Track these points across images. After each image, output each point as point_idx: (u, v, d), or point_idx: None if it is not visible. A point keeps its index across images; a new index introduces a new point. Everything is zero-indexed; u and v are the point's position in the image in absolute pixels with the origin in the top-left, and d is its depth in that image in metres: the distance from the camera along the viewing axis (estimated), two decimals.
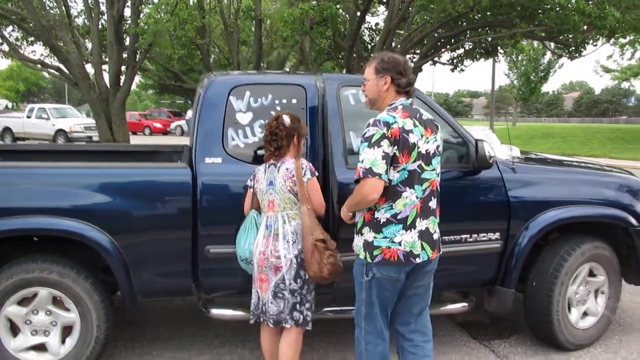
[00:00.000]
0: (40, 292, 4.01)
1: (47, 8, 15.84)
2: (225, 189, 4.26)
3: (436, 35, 14.04)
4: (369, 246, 3.24)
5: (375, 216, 3.22)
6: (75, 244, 4.10)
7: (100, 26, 15.91)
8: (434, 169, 3.29)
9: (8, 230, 3.92)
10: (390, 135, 3.12)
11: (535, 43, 33.58)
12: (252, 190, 3.94)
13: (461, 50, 17.75)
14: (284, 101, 4.38)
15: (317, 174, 3.86)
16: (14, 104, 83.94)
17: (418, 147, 3.18)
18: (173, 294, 4.48)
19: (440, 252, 3.42)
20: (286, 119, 3.85)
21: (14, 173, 4.15)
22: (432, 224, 3.29)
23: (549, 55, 38.85)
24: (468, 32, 15.14)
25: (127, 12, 15.45)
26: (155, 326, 5.22)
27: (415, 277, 3.35)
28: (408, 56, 15.36)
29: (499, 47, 17.67)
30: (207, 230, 4.18)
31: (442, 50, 16.21)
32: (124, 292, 4.15)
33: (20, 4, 16.08)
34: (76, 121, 28.10)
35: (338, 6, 10.61)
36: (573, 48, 15.21)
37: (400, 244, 3.18)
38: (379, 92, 3.35)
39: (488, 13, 13.27)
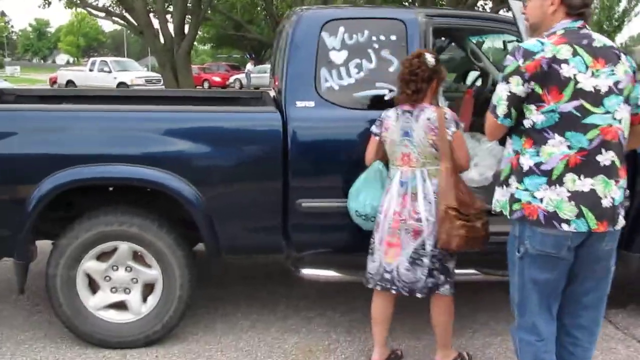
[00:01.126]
0: (120, 247, 3.69)
1: None
2: (319, 136, 3.83)
3: None
4: (512, 199, 2.63)
5: (520, 162, 2.59)
6: (155, 195, 3.78)
7: None
8: (608, 112, 2.47)
9: (84, 179, 3.60)
10: (525, 69, 2.47)
11: None
12: (378, 138, 3.46)
13: None
14: (382, 37, 3.86)
15: (462, 125, 3.37)
16: (75, 58, 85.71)
17: (577, 83, 2.44)
18: (261, 250, 4.11)
19: (618, 226, 2.59)
20: (430, 58, 3.33)
21: (88, 117, 3.81)
22: (602, 186, 2.49)
23: (624, 3, 36.93)
24: None
25: None
26: (234, 285, 4.89)
27: (587, 256, 2.60)
28: (480, 2, 14.41)
29: None
30: (299, 182, 3.76)
31: None
32: (208, 248, 3.80)
33: None
34: (137, 74, 28.28)
35: None
36: None
37: (542, 200, 2.51)
38: (544, 15, 2.63)
39: None
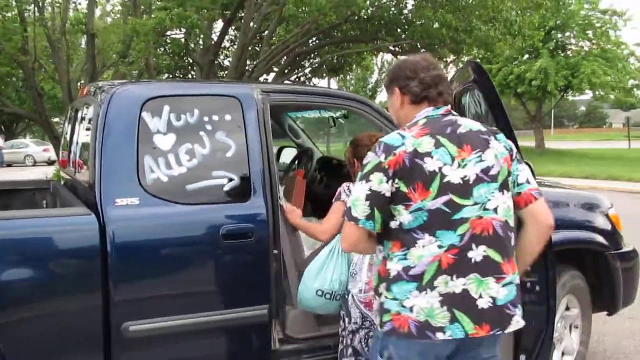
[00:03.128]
0: None
1: None
2: (148, 240, 3.08)
3: (296, 50, 13.24)
4: (381, 310, 2.28)
5: (388, 267, 2.26)
6: None
7: None
8: (478, 204, 2.21)
9: None
10: (387, 166, 2.20)
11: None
12: None
13: (308, 68, 17.24)
14: (215, 117, 3.30)
15: None
16: None
17: (444, 176, 2.19)
18: None
19: (510, 328, 2.25)
20: None
21: None
22: (475, 285, 2.19)
23: (375, 75, 40.15)
24: (326, 47, 14.61)
25: None
26: None
27: None
28: (263, 78, 14.32)
29: (345, 65, 17.41)
30: (125, 299, 2.98)
31: (299, 67, 15.55)
32: None
33: None
34: None
35: (197, 16, 9.42)
36: None
37: (411, 309, 2.19)
38: (397, 113, 2.46)
39: (355, 26, 12.85)
